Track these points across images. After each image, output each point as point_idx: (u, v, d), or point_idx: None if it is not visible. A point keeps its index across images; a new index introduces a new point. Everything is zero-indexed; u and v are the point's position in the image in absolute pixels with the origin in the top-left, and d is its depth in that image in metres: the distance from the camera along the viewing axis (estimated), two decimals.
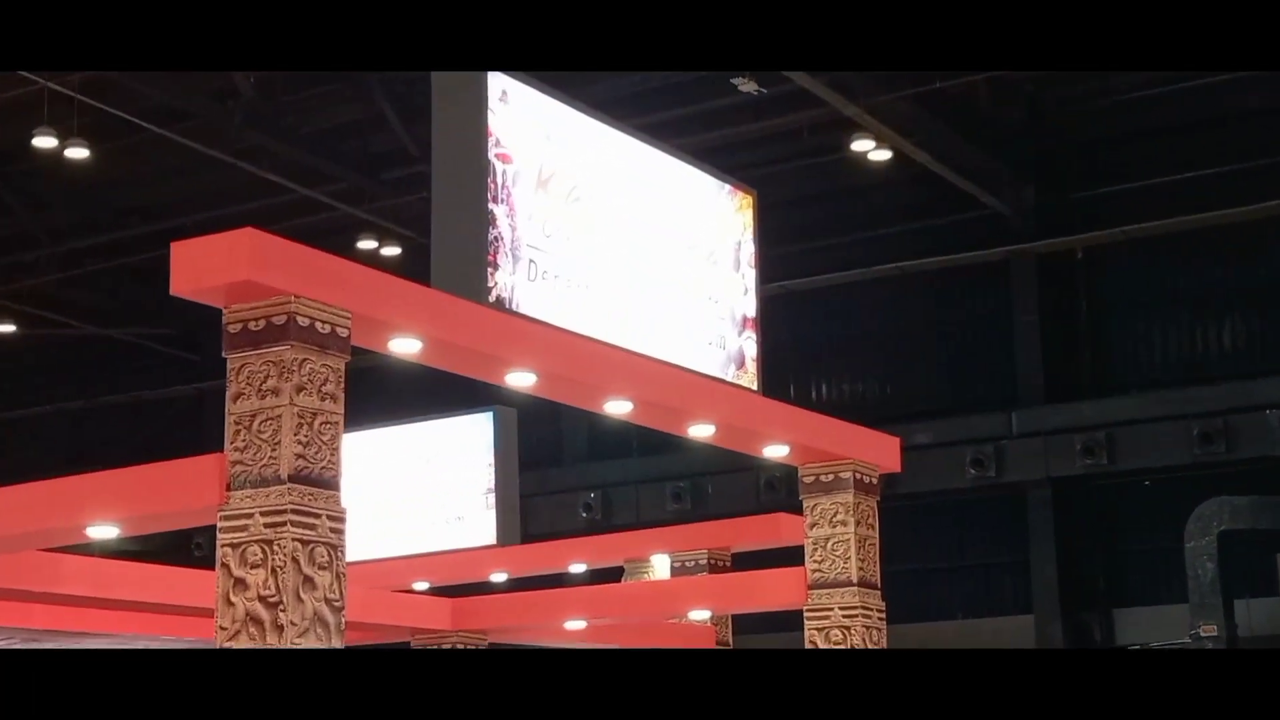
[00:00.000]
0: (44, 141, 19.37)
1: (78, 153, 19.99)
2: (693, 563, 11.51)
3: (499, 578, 11.91)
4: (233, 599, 6.04)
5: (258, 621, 5.98)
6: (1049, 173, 23.31)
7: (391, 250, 23.09)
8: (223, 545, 6.13)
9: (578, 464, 25.47)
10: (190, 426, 25.71)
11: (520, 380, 7.33)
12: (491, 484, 12.39)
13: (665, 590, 11.51)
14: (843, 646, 8.73)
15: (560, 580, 12.02)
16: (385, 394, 19.47)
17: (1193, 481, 21.97)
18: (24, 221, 23.94)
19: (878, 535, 9.04)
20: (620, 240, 7.85)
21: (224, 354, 6.26)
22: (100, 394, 28.45)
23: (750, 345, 8.62)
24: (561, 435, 24.76)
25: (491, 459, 12.47)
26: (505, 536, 12.34)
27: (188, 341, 26.19)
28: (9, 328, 26.11)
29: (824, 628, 8.78)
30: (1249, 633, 21.07)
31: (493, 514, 12.43)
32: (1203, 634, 20.04)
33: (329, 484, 6.17)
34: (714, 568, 11.50)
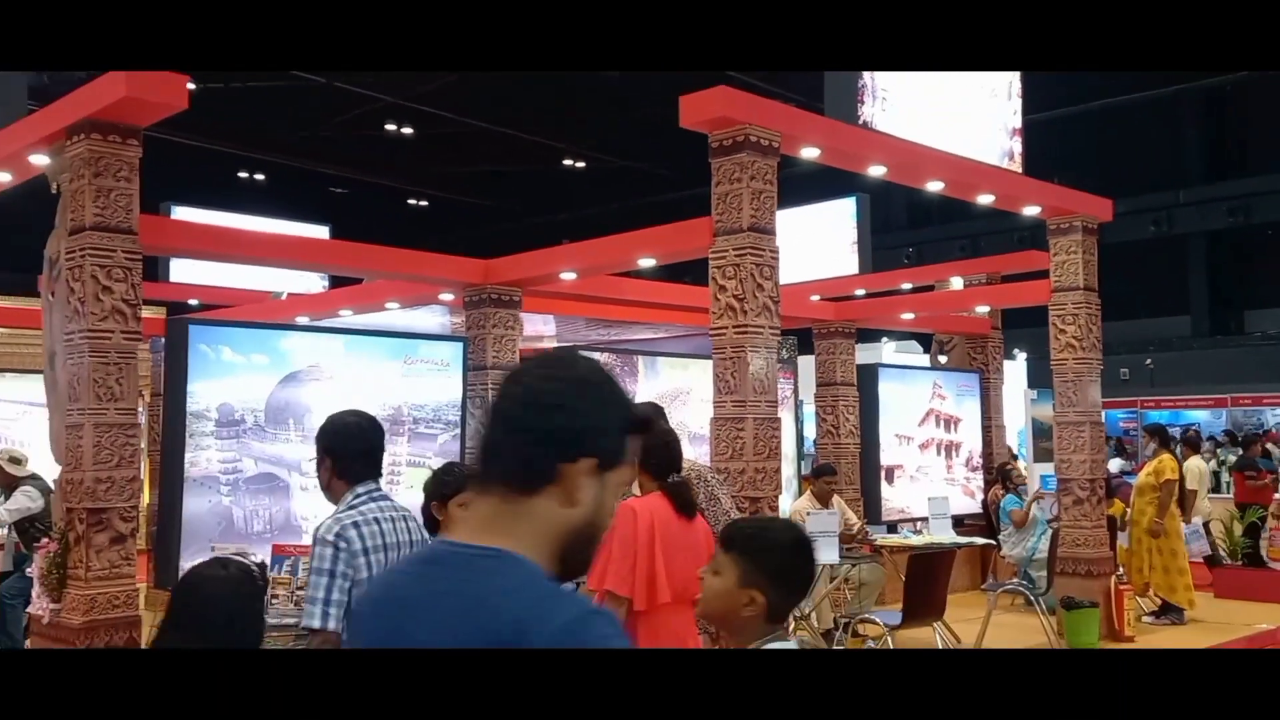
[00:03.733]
0: None
1: None
2: (978, 281, 11.15)
3: (860, 292, 11.79)
4: (719, 297, 6.16)
5: (732, 309, 6.09)
6: None
7: None
8: (713, 268, 6.21)
9: (898, 231, 24.86)
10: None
11: (876, 170, 7.16)
12: (855, 238, 12.28)
13: (962, 295, 11.18)
14: (1079, 339, 8.35)
15: (894, 294, 11.85)
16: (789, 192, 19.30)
17: None
18: (576, 103, 24.14)
19: (1097, 260, 8.53)
20: (938, 84, 7.49)
21: (710, 160, 6.23)
22: (623, 201, 28.77)
23: (1017, 145, 8.14)
24: (889, 213, 24.04)
25: (855, 224, 12.33)
26: (863, 268, 12.26)
27: (673, 169, 26.20)
28: (579, 163, 26.56)
29: (1062, 315, 8.40)
30: None
31: (855, 256, 12.34)
32: None
33: (768, 231, 6.17)
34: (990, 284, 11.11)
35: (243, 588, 2.67)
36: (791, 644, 2.24)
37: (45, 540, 6.22)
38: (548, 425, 1.43)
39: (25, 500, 7.32)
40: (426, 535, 3.45)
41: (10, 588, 7.47)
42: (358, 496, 3.26)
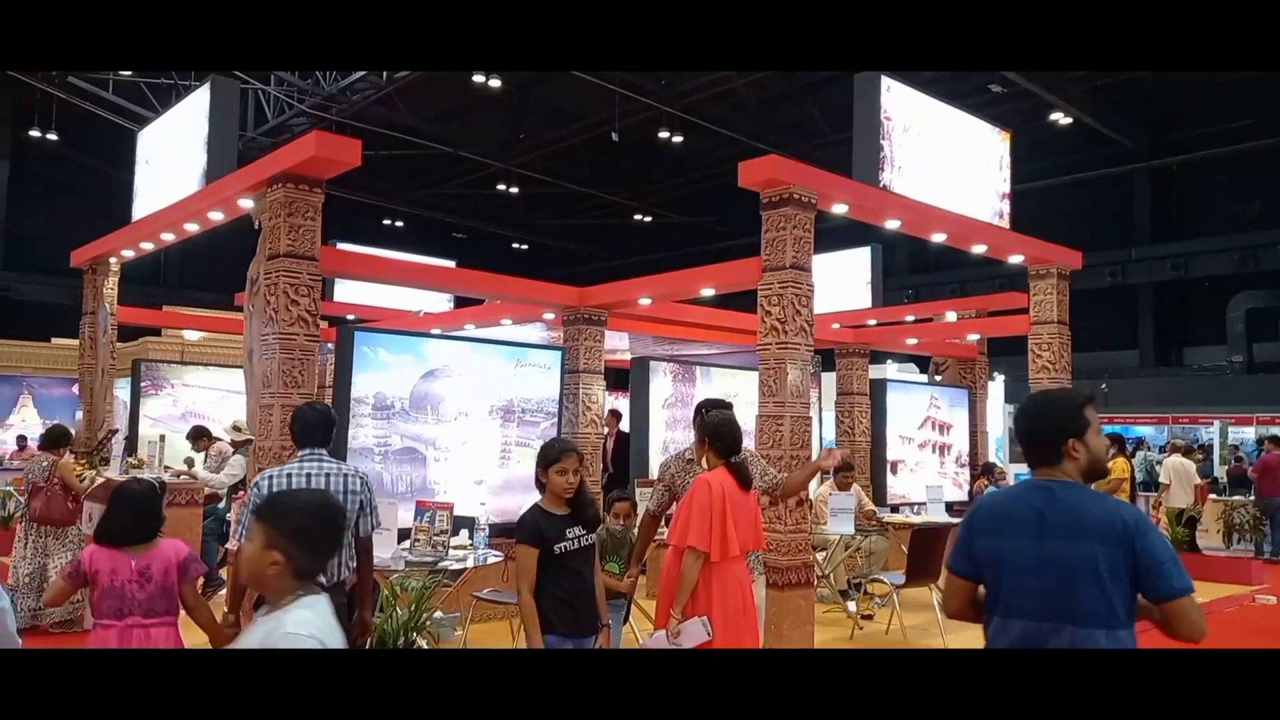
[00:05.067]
0: (662, 134, 18.86)
1: (675, 138, 19.09)
2: (969, 315, 10.95)
3: (871, 322, 11.54)
4: (765, 320, 6.03)
5: (776, 330, 5.96)
6: None
7: None
8: (761, 297, 6.07)
9: (901, 275, 24.49)
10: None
11: (892, 223, 7.06)
12: (869, 279, 12.11)
13: (955, 326, 10.92)
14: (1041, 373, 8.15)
15: (899, 324, 11.56)
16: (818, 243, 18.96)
17: None
18: (647, 165, 24.14)
19: (1069, 299, 8.36)
20: (942, 156, 7.41)
21: (760, 212, 6.15)
22: (680, 249, 28.72)
23: (1006, 206, 8.01)
24: (894, 261, 23.69)
25: (870, 267, 12.17)
26: (875, 303, 12.04)
27: (720, 221, 26.07)
28: (647, 218, 26.49)
29: (1039, 343, 8.21)
30: None
31: (869, 293, 12.16)
32: None
33: (806, 268, 6.05)
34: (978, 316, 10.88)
35: (151, 494, 3.48)
36: (322, 599, 1.88)
37: (241, 491, 6.39)
38: (1046, 432, 2.24)
39: (236, 469, 7.50)
40: (343, 481, 3.68)
41: (208, 527, 7.66)
42: (298, 457, 3.71)
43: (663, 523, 4.53)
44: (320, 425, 3.73)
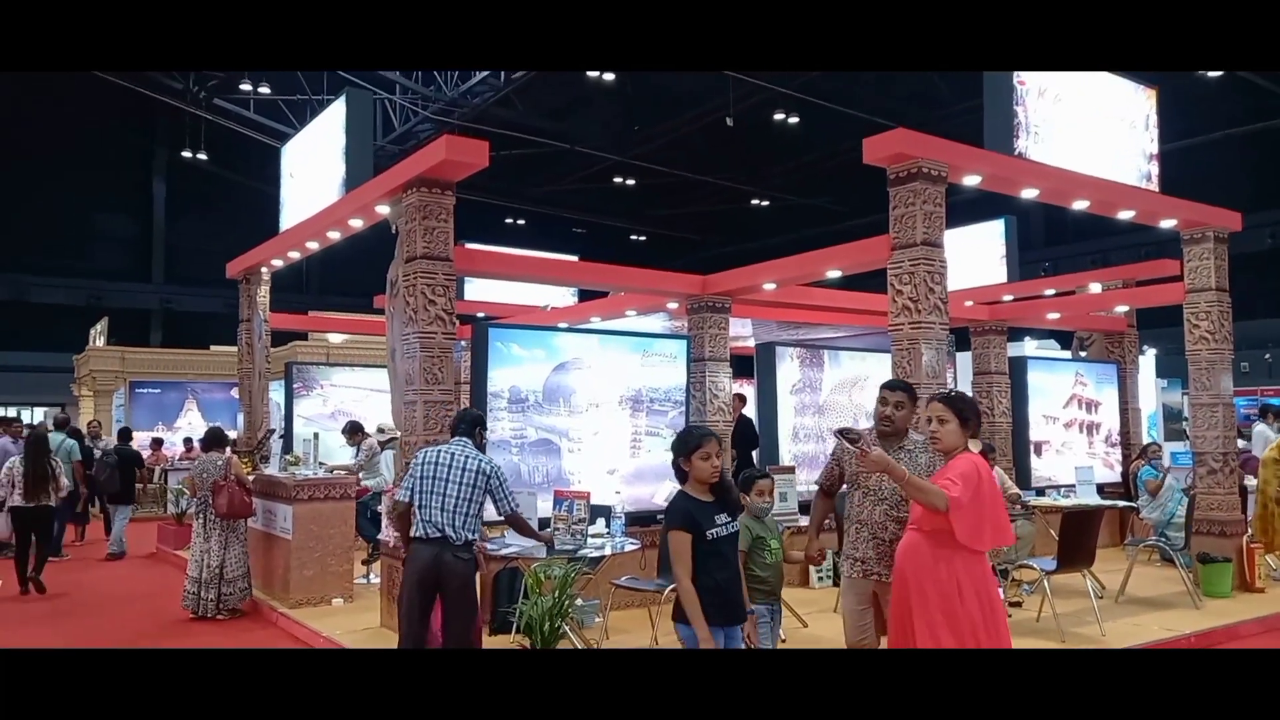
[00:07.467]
0: (778, 115, 18.72)
1: (791, 119, 19.04)
2: (1115, 285, 10.33)
3: (1008, 298, 11.11)
4: (896, 300, 5.95)
5: (908, 309, 5.85)
6: None
7: None
8: (890, 276, 6.00)
9: (1037, 249, 23.35)
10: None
11: (1029, 193, 6.75)
12: (1004, 253, 11.63)
13: (1102, 298, 10.33)
14: (1205, 333, 7.62)
15: (1038, 298, 11.03)
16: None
17: None
18: (761, 154, 23.80)
19: (1228, 266, 7.78)
20: (1083, 117, 7.02)
21: (888, 189, 6.03)
22: (798, 231, 28.32)
23: (1154, 167, 7.52)
24: (1029, 233, 22.59)
25: (1004, 240, 11.68)
26: (1010, 278, 11.59)
27: (840, 203, 25.49)
28: (765, 202, 26.25)
29: (1196, 312, 7.70)
30: None
31: (1004, 268, 11.70)
32: None
33: (938, 244, 5.92)
34: (1125, 287, 10.26)
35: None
36: None
37: (390, 486, 6.71)
38: None
39: (384, 470, 7.93)
40: (468, 462, 4.48)
41: (360, 525, 8.05)
42: (446, 443, 4.62)
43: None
44: (461, 421, 4.71)
